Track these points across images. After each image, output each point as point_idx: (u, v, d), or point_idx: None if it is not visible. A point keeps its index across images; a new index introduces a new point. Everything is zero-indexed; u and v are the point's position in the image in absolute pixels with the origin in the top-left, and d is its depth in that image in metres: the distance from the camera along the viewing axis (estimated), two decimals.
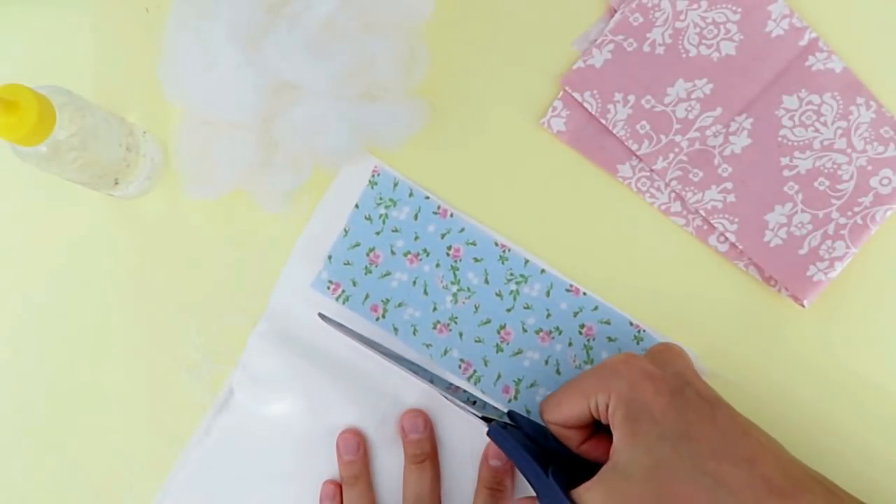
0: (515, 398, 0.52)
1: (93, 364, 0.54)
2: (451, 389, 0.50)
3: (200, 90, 0.49)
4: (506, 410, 0.50)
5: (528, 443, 0.46)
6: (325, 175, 0.53)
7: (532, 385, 0.52)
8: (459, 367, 0.52)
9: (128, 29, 0.56)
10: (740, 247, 0.51)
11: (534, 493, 0.45)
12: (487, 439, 0.47)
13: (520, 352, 0.52)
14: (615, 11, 0.53)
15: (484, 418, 0.48)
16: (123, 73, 0.55)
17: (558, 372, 0.52)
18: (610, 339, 0.52)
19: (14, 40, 0.56)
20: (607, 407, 0.43)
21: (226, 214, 0.54)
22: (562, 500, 0.42)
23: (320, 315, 0.51)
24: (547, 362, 0.52)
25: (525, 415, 0.50)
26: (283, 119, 0.50)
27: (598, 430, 0.46)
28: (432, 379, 0.50)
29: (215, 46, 0.48)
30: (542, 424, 0.48)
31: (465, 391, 0.51)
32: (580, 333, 0.52)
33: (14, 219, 0.55)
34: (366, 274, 0.53)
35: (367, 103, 0.50)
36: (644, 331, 0.52)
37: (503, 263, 0.53)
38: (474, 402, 0.50)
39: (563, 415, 0.45)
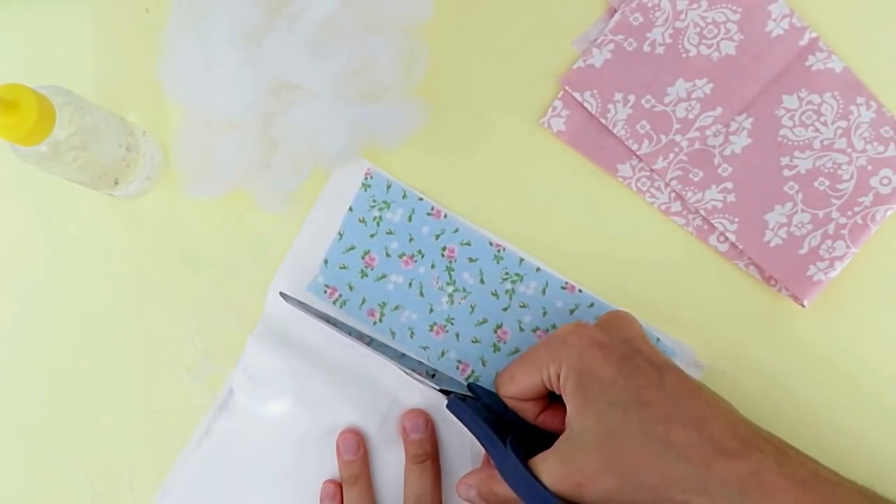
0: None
1: (93, 364, 0.54)
2: (411, 363, 0.50)
3: (200, 90, 0.49)
4: (466, 383, 0.50)
5: (487, 414, 0.47)
6: (325, 175, 0.53)
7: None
8: (457, 367, 0.52)
9: (128, 29, 0.56)
10: (740, 246, 0.51)
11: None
12: None
13: (517, 351, 0.52)
14: (615, 11, 0.53)
15: (443, 391, 0.49)
16: (123, 73, 0.55)
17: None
18: None
19: (14, 40, 0.56)
20: (558, 377, 0.44)
21: (226, 215, 0.54)
22: (519, 470, 0.42)
23: (281, 294, 0.51)
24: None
25: None
26: (283, 119, 0.50)
27: (553, 400, 0.47)
28: (401, 355, 0.51)
29: (215, 46, 0.48)
30: None
31: (424, 364, 0.51)
32: None
33: (14, 219, 0.55)
34: (362, 277, 0.53)
35: (368, 103, 0.50)
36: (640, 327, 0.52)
37: (498, 263, 0.53)
38: (433, 376, 0.50)
39: (517, 388, 0.46)
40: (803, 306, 0.51)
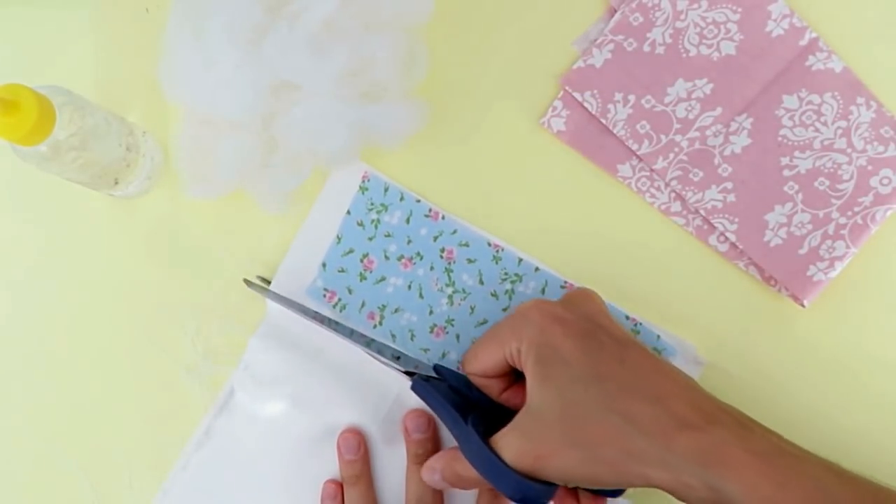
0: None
1: (92, 364, 0.54)
2: (375, 346, 0.51)
3: (200, 90, 0.49)
4: (431, 364, 0.51)
5: (452, 395, 0.47)
6: (325, 175, 0.53)
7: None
8: (458, 368, 0.52)
9: (128, 29, 0.56)
10: (740, 246, 0.51)
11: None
12: None
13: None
14: (615, 11, 0.53)
15: (407, 373, 0.49)
16: (123, 73, 0.55)
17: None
18: None
19: (14, 40, 0.56)
20: (520, 353, 0.44)
21: (226, 215, 0.54)
22: (480, 447, 0.43)
23: (245, 281, 0.52)
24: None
25: None
26: (283, 119, 0.50)
27: (518, 377, 0.47)
28: (368, 343, 0.51)
29: (215, 46, 0.48)
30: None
31: (389, 346, 0.52)
32: None
33: (13, 219, 0.55)
34: (361, 280, 0.53)
35: (368, 103, 0.50)
36: (640, 323, 0.52)
37: (497, 263, 0.53)
38: (398, 358, 0.50)
39: (481, 365, 0.47)
40: (803, 306, 0.51)
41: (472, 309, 0.52)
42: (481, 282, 0.53)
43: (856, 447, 0.50)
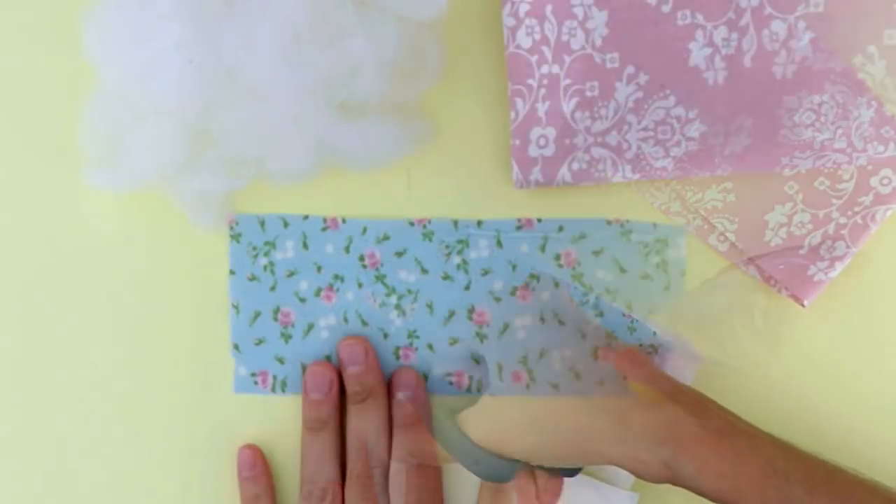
0: (533, 380, 0.44)
1: (92, 364, 0.53)
2: None
3: (129, 60, 0.42)
4: None
5: None
6: (267, 188, 0.47)
7: (542, 354, 0.44)
8: (451, 383, 0.47)
9: None
10: (740, 246, 0.51)
11: None
12: None
13: (507, 326, 0.46)
14: None
15: None
16: (49, 13, 0.51)
17: (561, 322, 0.45)
18: None
19: None
20: None
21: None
22: (447, 426, 0.43)
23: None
24: (543, 319, 0.46)
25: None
26: (227, 112, 0.42)
27: None
28: None
29: (161, 14, 0.41)
30: None
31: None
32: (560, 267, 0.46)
33: (14, 218, 0.55)
34: (287, 342, 0.45)
35: (343, 120, 0.44)
36: (636, 320, 0.52)
37: (431, 241, 0.45)
38: None
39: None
40: (803, 306, 0.51)
41: (430, 307, 0.46)
42: (424, 270, 0.45)
43: (855, 447, 0.50)
